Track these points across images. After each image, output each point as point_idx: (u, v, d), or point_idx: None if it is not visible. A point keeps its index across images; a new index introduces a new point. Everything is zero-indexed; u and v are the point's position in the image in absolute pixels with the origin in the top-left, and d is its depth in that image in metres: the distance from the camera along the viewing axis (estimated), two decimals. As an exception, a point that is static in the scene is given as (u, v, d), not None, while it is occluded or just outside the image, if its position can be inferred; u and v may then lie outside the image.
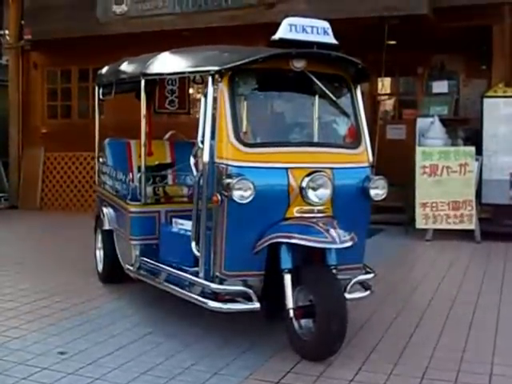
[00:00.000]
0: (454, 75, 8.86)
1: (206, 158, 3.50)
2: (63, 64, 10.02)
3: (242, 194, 3.32)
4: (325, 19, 3.74)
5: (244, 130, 3.57)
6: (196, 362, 3.38)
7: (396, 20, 7.72)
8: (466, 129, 7.99)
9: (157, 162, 4.81)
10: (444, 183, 7.13)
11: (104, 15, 8.93)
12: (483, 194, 7.26)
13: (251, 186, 3.32)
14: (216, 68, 3.50)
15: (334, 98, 3.78)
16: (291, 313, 3.36)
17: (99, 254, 5.18)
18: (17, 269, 5.67)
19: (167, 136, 5.29)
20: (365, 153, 3.83)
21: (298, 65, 3.60)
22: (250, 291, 3.44)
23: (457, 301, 4.66)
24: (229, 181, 3.33)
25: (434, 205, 7.13)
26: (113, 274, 4.97)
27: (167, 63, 4.16)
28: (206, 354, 3.51)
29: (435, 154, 7.20)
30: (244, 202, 3.32)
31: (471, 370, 3.31)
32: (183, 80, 5.22)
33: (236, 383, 3.13)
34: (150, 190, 4.65)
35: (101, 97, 5.36)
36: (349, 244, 3.37)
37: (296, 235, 3.34)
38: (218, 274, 3.50)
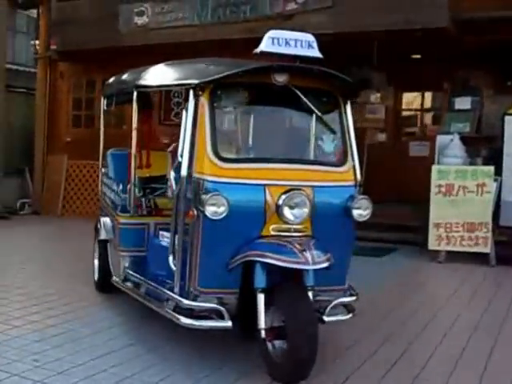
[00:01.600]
0: (478, 91, 8.57)
1: (183, 172, 3.46)
2: (88, 74, 10.25)
3: (216, 209, 3.27)
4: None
5: (223, 144, 3.51)
6: (165, 378, 3.32)
7: (419, 33, 7.57)
8: (489, 147, 7.71)
9: (147, 175, 4.81)
10: (460, 203, 6.88)
11: (126, 27, 9.11)
12: (501, 216, 6.97)
13: (225, 202, 3.26)
14: (196, 81, 3.47)
15: (319, 114, 3.66)
16: (263, 333, 3.27)
17: (97, 262, 5.20)
18: (19, 273, 5.75)
19: (171, 148, 5.28)
20: (351, 171, 3.70)
21: (280, 79, 3.52)
22: (222, 309, 3.38)
23: (450, 332, 4.38)
24: (203, 196, 3.28)
25: (448, 226, 6.89)
26: (107, 283, 4.97)
27: (157, 76, 4.16)
28: (180, 368, 3.45)
29: (452, 173, 6.97)
30: (217, 218, 3.27)
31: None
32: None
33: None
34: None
35: (105, 107, 5.40)
36: (323, 265, 3.26)
37: (269, 254, 3.25)
38: (192, 289, 3.45)
